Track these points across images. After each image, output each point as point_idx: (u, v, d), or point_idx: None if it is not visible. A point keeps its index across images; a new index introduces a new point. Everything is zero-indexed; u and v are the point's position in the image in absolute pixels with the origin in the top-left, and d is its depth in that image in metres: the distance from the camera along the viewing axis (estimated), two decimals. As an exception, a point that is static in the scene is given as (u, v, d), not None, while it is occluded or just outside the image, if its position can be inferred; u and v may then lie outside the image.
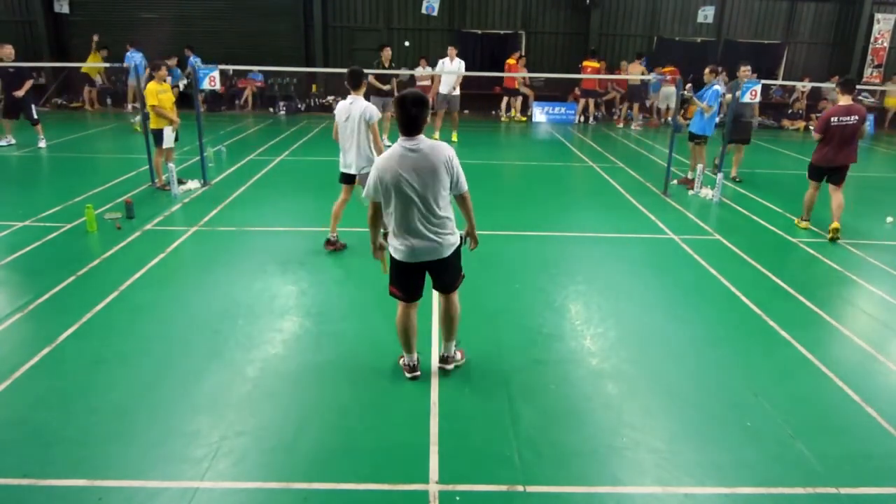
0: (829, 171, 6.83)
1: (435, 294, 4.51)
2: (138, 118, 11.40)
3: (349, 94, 5.48)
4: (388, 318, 4.11)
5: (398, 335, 3.65)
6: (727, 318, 4.70)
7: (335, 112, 5.59)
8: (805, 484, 2.89)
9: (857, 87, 8.34)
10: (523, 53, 16.67)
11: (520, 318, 4.56)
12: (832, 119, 6.65)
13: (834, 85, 8.16)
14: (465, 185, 3.39)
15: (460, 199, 3.47)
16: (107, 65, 13.45)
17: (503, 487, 2.82)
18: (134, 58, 14.04)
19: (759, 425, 3.33)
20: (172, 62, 14.73)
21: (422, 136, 3.24)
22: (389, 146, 3.34)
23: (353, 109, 5.38)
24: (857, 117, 6.55)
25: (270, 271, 5.28)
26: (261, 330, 4.26)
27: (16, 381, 3.55)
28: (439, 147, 3.27)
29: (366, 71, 5.82)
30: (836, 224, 6.66)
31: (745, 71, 8.87)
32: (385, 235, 3.55)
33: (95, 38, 15.14)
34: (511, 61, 15.52)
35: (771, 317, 4.64)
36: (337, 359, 3.92)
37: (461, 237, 3.55)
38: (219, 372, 3.71)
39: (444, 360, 3.77)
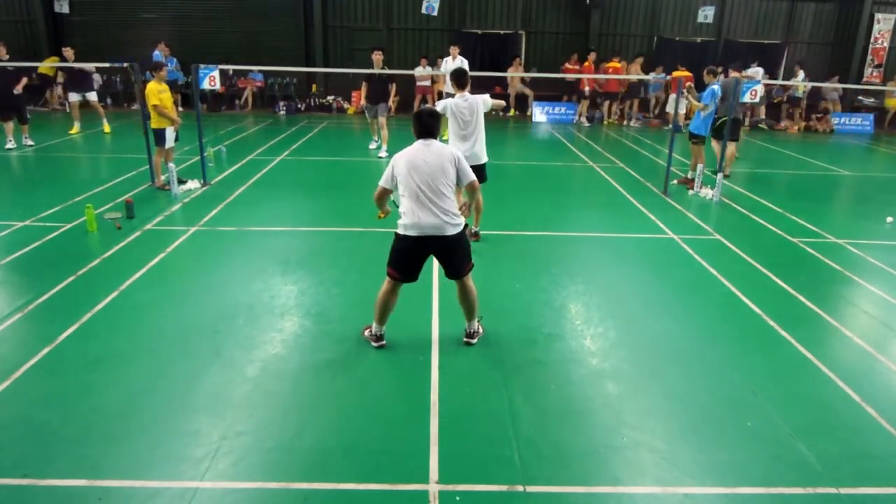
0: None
1: (435, 305, 4.54)
2: None
3: (452, 94, 5.75)
4: (388, 317, 4.10)
5: (377, 307, 3.94)
6: (727, 317, 4.70)
7: (447, 110, 5.71)
8: (805, 484, 2.89)
9: (857, 87, 9.83)
10: (519, 55, 16.67)
11: (520, 318, 4.55)
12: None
13: (834, 84, 8.51)
14: (472, 175, 3.96)
15: (469, 187, 4.01)
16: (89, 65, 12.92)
17: (503, 487, 2.82)
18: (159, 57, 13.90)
19: (758, 425, 3.33)
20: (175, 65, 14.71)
21: (434, 140, 3.93)
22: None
23: (474, 103, 5.77)
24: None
25: (270, 271, 5.28)
26: (261, 330, 4.26)
27: (16, 381, 3.55)
28: (447, 147, 3.97)
29: (357, 71, 6.01)
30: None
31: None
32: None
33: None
34: (616, 65, 15.44)
35: (771, 316, 4.64)
36: (337, 359, 3.92)
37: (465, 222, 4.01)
38: (219, 372, 3.71)
39: (469, 335, 4.12)
